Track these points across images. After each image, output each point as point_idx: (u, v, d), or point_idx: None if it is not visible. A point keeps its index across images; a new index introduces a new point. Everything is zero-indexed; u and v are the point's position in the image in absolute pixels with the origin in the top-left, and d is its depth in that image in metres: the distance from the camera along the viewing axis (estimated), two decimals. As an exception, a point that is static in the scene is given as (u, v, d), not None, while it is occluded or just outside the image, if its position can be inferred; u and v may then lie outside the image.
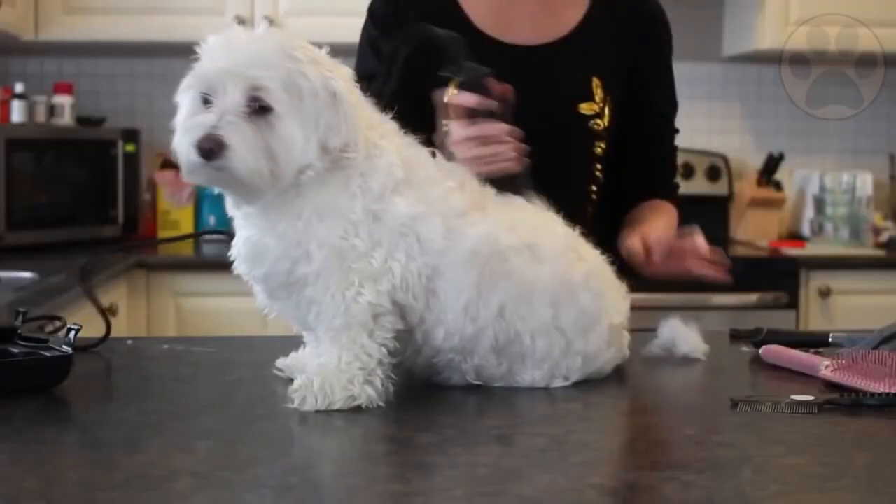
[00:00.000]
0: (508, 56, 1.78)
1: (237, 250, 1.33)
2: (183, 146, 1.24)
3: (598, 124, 1.82)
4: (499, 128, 1.55)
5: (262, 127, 1.23)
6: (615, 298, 1.43)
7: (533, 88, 1.73)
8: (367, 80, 1.52)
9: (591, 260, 1.42)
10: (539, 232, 1.38)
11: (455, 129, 1.56)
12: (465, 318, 1.31)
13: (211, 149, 1.21)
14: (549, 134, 1.76)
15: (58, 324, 1.58)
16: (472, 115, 1.56)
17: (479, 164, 1.51)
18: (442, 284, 1.30)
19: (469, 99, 1.55)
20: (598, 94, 1.82)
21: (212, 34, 1.29)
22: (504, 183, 1.48)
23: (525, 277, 1.33)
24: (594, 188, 1.88)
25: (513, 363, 1.35)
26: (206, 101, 1.25)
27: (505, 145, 1.55)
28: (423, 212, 1.29)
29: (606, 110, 1.83)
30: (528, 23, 1.83)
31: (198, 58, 1.28)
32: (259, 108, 1.23)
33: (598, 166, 1.86)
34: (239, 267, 1.33)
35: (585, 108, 1.81)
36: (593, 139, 1.83)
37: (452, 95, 1.58)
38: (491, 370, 1.35)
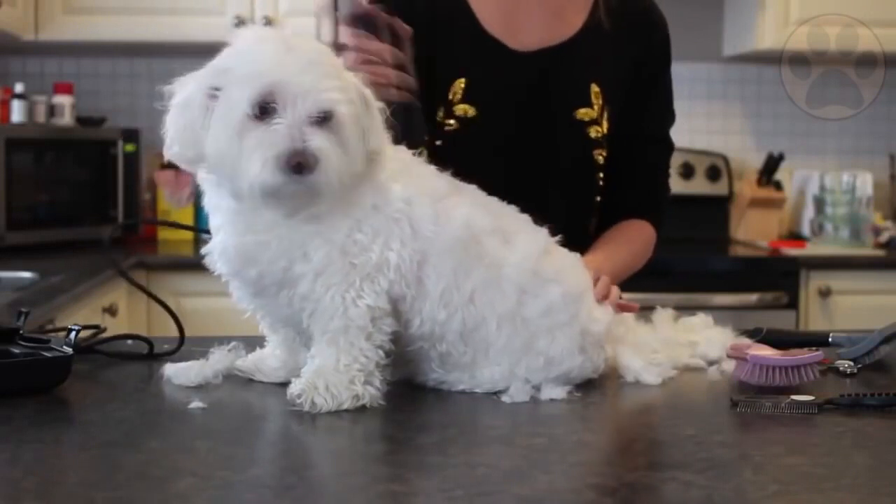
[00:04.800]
0: (510, 60, 1.76)
1: (220, 252, 1.33)
2: (261, 163, 1.19)
3: (597, 131, 1.78)
4: (378, 48, 1.41)
5: (331, 137, 1.22)
6: (595, 306, 1.43)
7: (532, 93, 1.72)
8: None
9: (566, 258, 1.42)
10: (511, 215, 1.39)
11: (341, 31, 1.43)
12: (440, 304, 1.31)
13: (300, 164, 1.18)
14: (547, 140, 1.75)
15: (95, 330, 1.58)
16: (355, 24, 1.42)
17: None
18: (427, 272, 1.31)
19: None
20: (597, 101, 1.78)
21: (242, 36, 1.26)
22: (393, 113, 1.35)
23: (495, 260, 1.33)
24: (598, 199, 1.83)
25: (477, 352, 1.33)
26: (263, 109, 1.21)
27: (383, 68, 1.41)
28: (414, 194, 1.30)
29: (605, 117, 1.79)
30: (534, 28, 1.79)
31: (223, 58, 1.25)
32: (322, 118, 1.22)
33: (601, 175, 1.82)
34: (221, 268, 1.34)
35: (583, 113, 1.77)
36: (592, 147, 1.79)
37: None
38: (456, 357, 1.34)
